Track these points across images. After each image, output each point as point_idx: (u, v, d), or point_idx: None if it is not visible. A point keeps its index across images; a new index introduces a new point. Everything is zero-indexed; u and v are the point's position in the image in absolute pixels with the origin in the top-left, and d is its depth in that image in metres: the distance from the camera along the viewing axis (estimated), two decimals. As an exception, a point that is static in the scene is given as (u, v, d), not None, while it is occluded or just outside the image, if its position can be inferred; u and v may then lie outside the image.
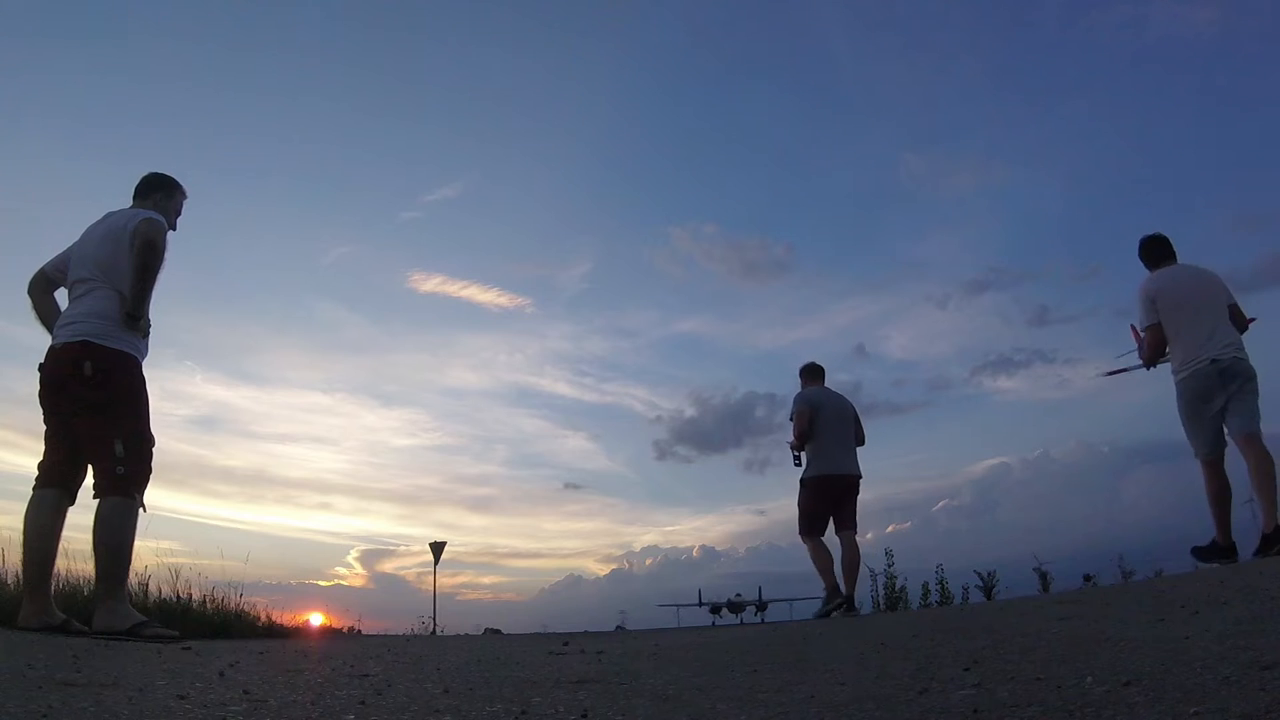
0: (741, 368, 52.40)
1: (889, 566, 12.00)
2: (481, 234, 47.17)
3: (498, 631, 8.28)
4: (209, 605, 4.48)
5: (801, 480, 5.71)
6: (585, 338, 53.41)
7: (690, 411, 48.29)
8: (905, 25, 42.51)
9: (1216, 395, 4.29)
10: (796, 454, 5.79)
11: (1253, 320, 4.49)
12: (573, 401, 49.55)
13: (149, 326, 3.50)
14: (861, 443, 5.86)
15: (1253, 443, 4.16)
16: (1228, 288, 4.54)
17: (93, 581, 3.38)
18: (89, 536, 3.24)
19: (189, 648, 2.88)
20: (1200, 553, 4.57)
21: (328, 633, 6.22)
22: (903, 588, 11.84)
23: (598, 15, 42.69)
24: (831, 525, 5.64)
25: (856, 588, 5.56)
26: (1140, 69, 37.81)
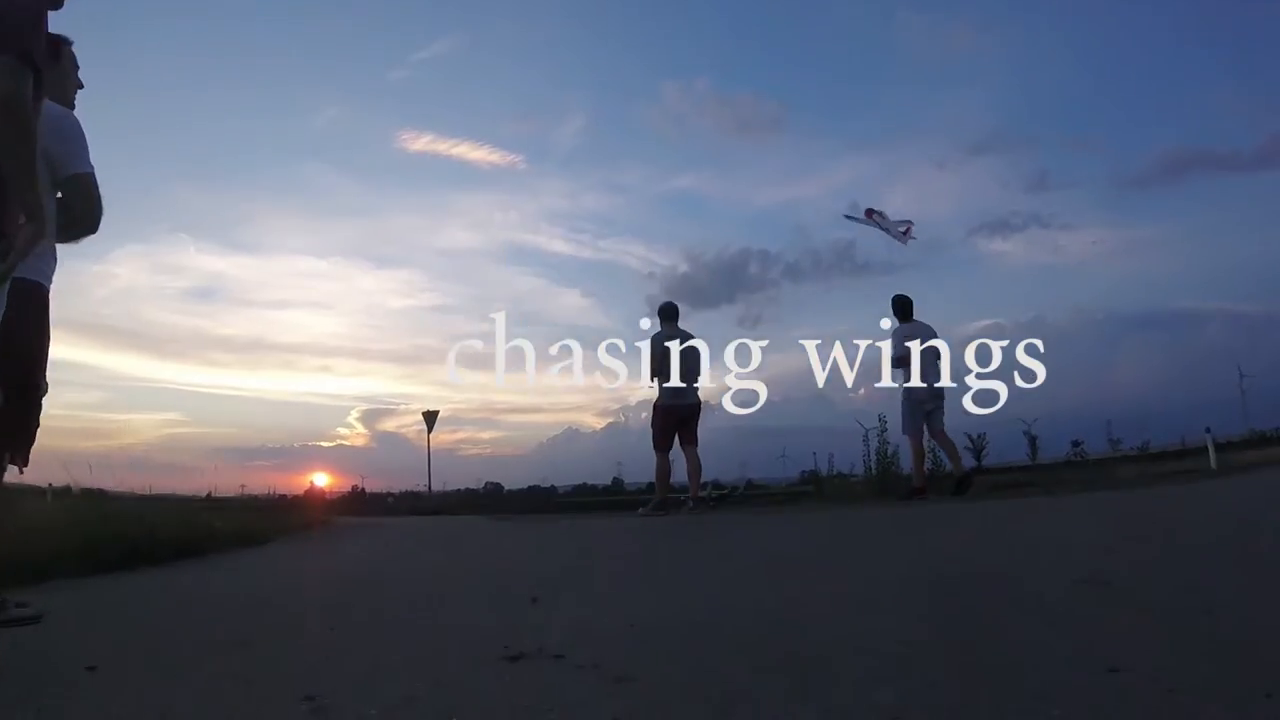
0: (736, 224, 51.56)
1: (882, 432, 12.01)
2: (471, 91, 44.86)
3: (498, 485, 8.52)
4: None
5: (655, 406, 7.05)
6: (580, 194, 52.00)
7: (684, 268, 47.73)
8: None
9: (928, 404, 7.15)
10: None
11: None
12: (568, 259, 49.04)
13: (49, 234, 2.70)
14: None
15: (943, 435, 7.25)
16: (937, 337, 7.42)
17: None
18: None
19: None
20: (904, 496, 7.03)
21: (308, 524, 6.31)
22: (894, 453, 11.94)
23: None
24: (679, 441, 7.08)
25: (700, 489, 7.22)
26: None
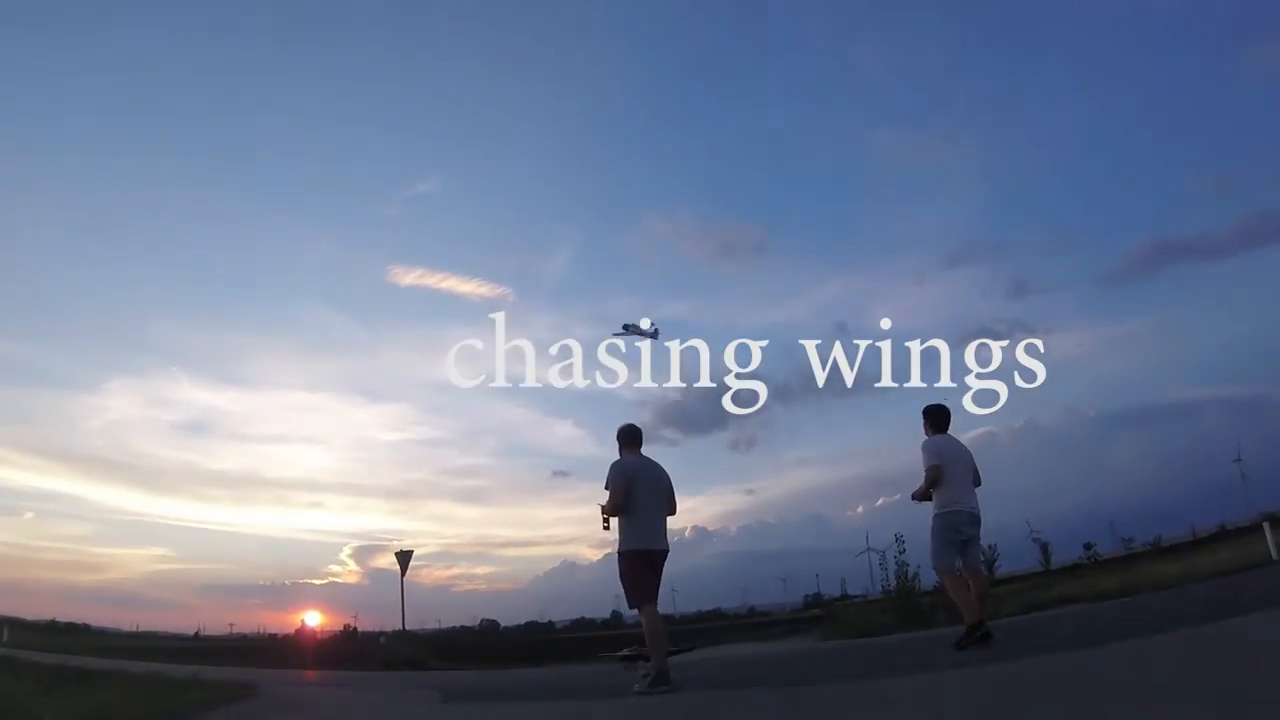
0: (724, 349, 52.71)
1: (900, 554, 11.50)
2: (459, 227, 47.28)
3: (494, 622, 8.09)
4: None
5: (620, 552, 5.83)
6: (569, 326, 53.24)
7: (674, 395, 48.25)
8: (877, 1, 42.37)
9: (964, 530, 6.24)
10: (606, 521, 5.93)
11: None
12: (559, 390, 49.50)
13: None
14: (673, 513, 6.09)
15: (978, 571, 6.39)
16: (973, 458, 6.63)
17: None
18: None
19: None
20: (960, 643, 5.93)
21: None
22: (915, 575, 11.32)
23: (568, 7, 42.46)
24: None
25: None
26: (1114, 36, 37.93)
